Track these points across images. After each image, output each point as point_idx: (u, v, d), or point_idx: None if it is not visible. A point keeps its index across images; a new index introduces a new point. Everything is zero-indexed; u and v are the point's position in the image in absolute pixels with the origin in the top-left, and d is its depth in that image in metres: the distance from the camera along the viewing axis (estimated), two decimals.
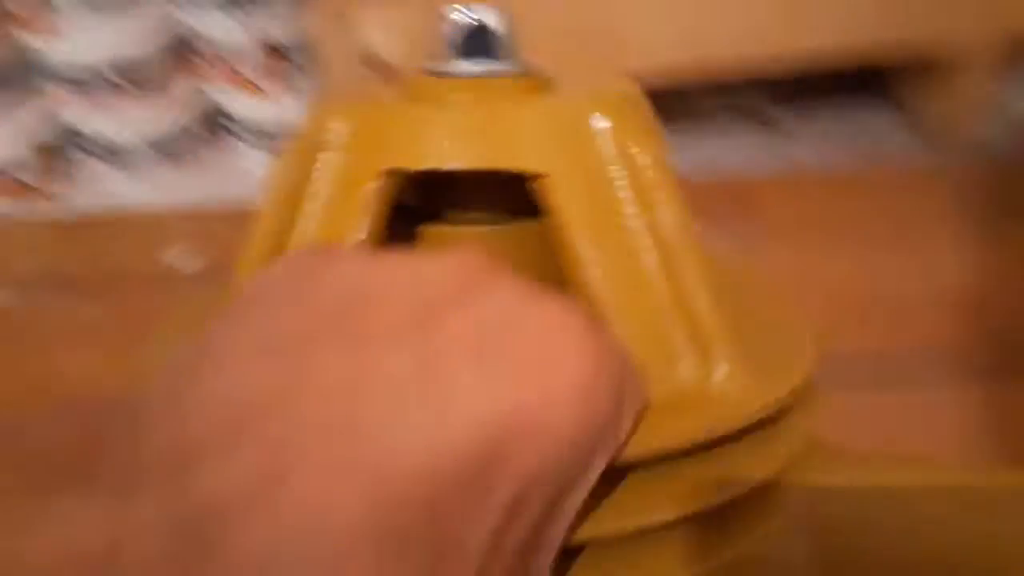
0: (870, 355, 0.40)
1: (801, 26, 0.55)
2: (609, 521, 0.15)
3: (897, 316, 0.43)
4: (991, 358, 0.40)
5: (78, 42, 0.52)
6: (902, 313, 0.44)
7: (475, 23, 0.17)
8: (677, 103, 0.62)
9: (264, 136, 0.57)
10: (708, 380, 0.16)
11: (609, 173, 0.17)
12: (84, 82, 0.54)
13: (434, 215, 0.19)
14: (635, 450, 0.15)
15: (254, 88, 0.56)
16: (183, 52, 0.56)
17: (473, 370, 0.13)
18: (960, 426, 0.36)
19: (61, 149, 0.58)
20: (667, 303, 0.16)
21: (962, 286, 0.46)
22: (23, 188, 0.56)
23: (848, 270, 0.45)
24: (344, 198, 0.17)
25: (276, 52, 0.55)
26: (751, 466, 0.16)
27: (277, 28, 0.54)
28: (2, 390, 0.44)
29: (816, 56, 0.56)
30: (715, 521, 0.16)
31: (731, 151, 0.63)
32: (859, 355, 0.40)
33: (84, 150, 0.58)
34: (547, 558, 0.14)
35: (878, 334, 0.42)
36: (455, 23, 0.17)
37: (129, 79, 0.54)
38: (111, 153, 0.57)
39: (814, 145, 0.62)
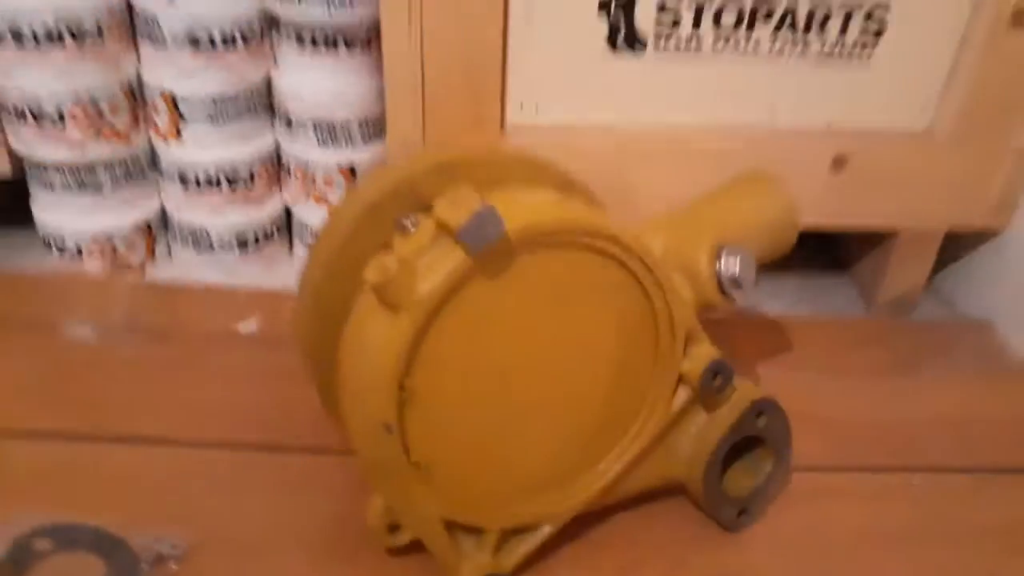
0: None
1: None
2: None
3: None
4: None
5: (195, 147, 0.65)
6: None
7: None
8: None
9: None
10: None
11: None
12: (191, 180, 0.66)
13: None
14: None
15: (323, 201, 0.69)
16: (275, 167, 0.70)
17: None
18: None
19: (157, 231, 0.70)
20: None
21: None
22: (119, 258, 0.68)
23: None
24: None
25: (351, 172, 0.68)
26: None
27: (356, 155, 0.68)
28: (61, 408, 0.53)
29: None
30: None
31: None
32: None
33: (175, 235, 0.70)
34: None
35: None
36: None
37: (230, 183, 0.66)
38: (198, 240, 0.69)
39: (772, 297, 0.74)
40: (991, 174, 0.67)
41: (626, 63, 0.61)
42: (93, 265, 0.67)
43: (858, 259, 0.76)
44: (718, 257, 0.44)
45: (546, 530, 0.45)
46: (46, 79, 0.59)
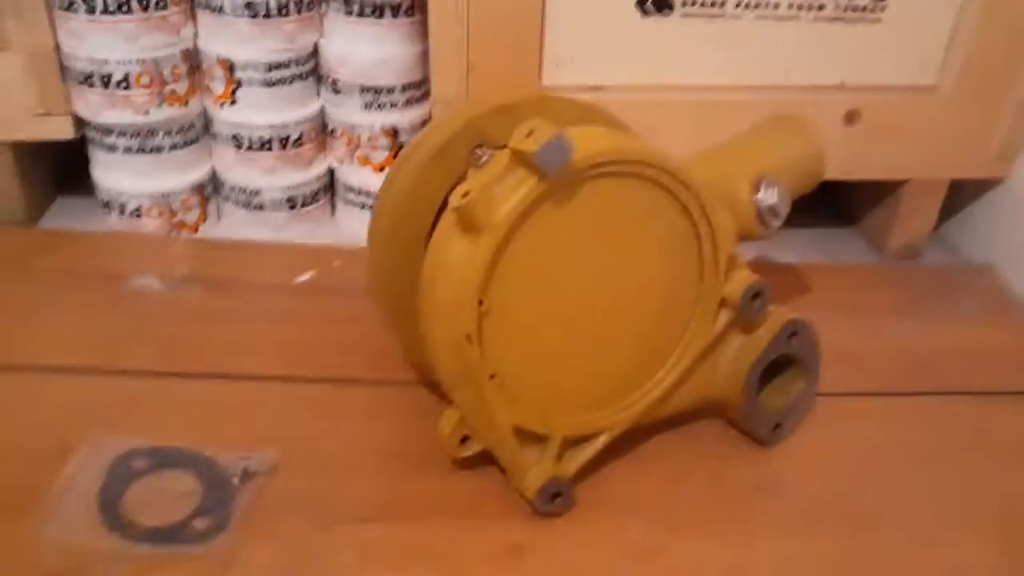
0: None
1: None
2: None
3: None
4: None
5: (249, 111, 0.69)
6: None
7: None
8: None
9: (368, 197, 0.73)
10: None
11: None
12: (244, 143, 0.70)
13: None
14: None
15: (367, 162, 0.73)
16: (322, 130, 0.74)
17: None
18: None
19: (209, 193, 0.74)
20: None
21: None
22: (175, 217, 0.72)
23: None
24: None
25: (393, 134, 0.72)
26: None
27: (399, 117, 0.72)
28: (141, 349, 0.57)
29: None
30: None
31: None
32: None
33: (227, 196, 0.74)
34: None
35: None
36: None
37: (282, 145, 0.70)
38: (249, 201, 0.73)
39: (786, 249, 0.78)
40: (992, 126, 0.72)
41: (654, 24, 0.66)
42: (151, 225, 0.71)
43: (866, 212, 0.81)
44: (757, 188, 0.49)
45: (602, 440, 0.49)
46: (115, 45, 0.63)
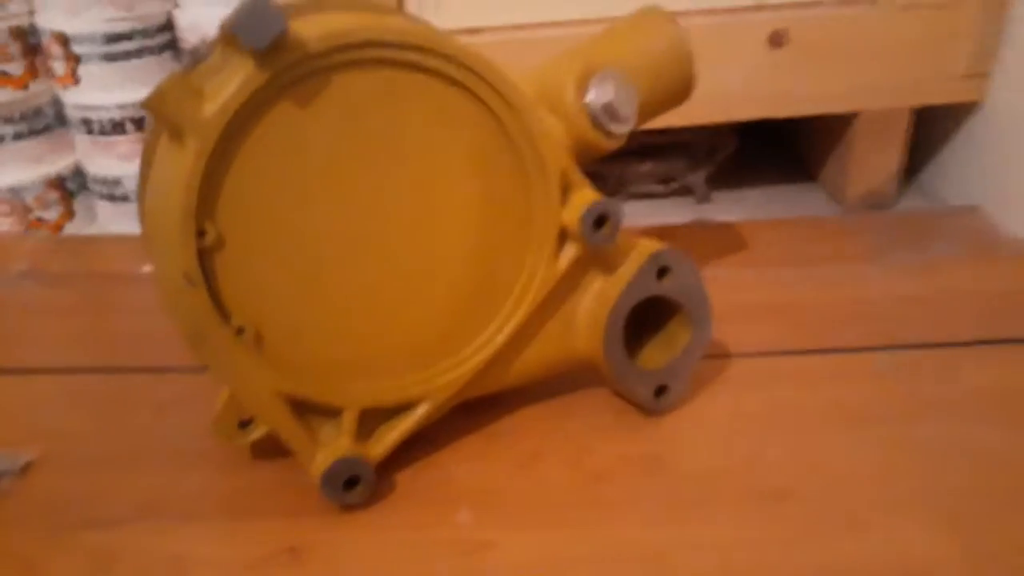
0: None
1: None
2: None
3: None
4: None
5: (93, 90, 0.63)
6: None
7: None
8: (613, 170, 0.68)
9: None
10: None
11: None
12: (94, 125, 0.63)
13: None
14: None
15: None
16: None
17: None
18: None
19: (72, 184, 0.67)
20: None
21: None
22: (31, 214, 0.65)
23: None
24: None
25: None
26: None
27: None
28: None
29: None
30: None
31: (653, 210, 0.68)
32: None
33: (91, 190, 0.67)
34: None
35: None
36: None
37: (137, 127, 0.64)
38: (112, 192, 0.66)
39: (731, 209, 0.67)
40: (953, 37, 0.60)
41: None
42: (2, 224, 0.65)
43: (823, 160, 0.70)
44: (587, 85, 0.39)
45: (420, 412, 0.39)
46: None
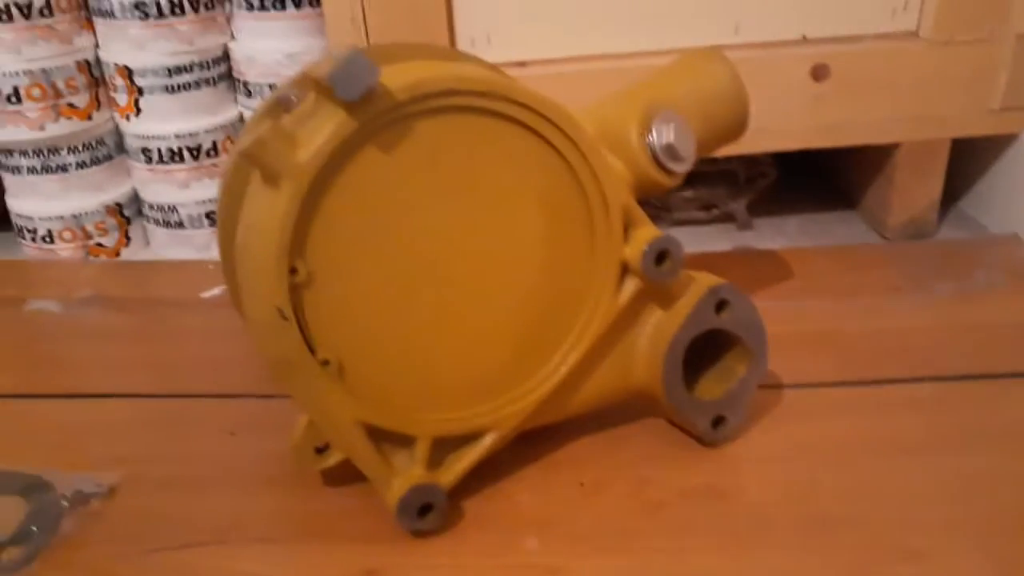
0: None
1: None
2: None
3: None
4: None
5: (153, 120, 0.65)
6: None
7: None
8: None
9: None
10: None
11: None
12: (153, 154, 0.66)
13: None
14: None
15: None
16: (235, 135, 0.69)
17: None
18: None
19: (135, 213, 0.69)
20: None
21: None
22: (91, 240, 0.67)
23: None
24: None
25: None
26: None
27: None
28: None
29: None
30: None
31: (696, 237, 0.70)
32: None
33: (148, 217, 0.69)
34: None
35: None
36: None
37: (194, 156, 0.66)
38: (168, 219, 0.68)
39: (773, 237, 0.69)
40: (987, 71, 0.61)
41: None
42: (66, 250, 0.67)
43: (863, 190, 0.71)
44: (648, 126, 0.40)
45: (487, 442, 0.41)
46: None
